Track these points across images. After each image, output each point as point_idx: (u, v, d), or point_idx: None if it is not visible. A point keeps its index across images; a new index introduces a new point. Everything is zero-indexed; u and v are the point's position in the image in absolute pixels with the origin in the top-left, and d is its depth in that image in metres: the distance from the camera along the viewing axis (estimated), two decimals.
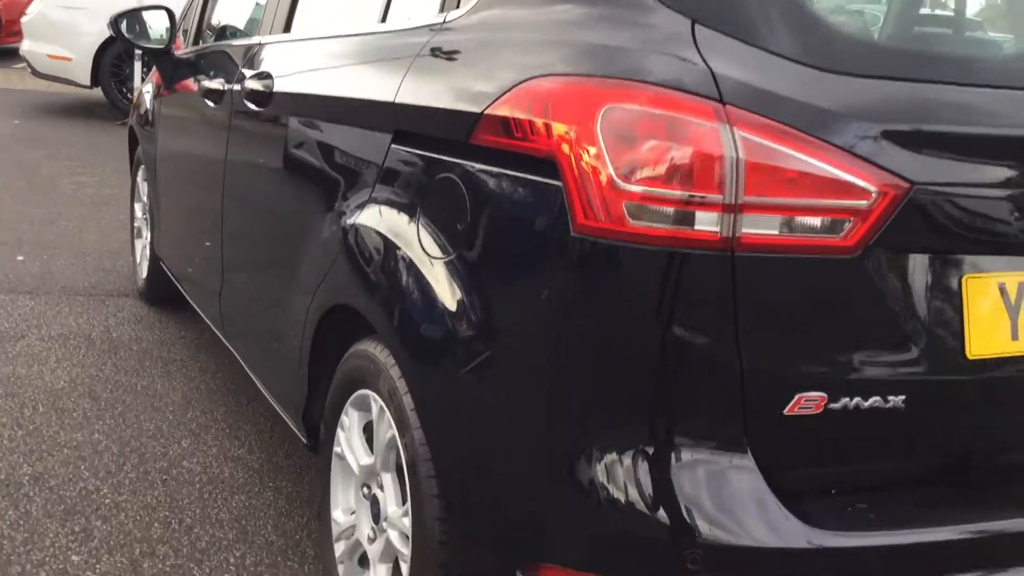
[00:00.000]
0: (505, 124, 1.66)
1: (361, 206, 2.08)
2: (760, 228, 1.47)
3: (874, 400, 1.57)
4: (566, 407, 1.60)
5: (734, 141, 1.45)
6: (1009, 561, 1.65)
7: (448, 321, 1.75)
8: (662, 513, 1.53)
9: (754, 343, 1.51)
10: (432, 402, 1.78)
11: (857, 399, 1.56)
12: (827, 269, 1.52)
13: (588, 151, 1.51)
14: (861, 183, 1.48)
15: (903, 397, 1.60)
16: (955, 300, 1.60)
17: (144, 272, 4.59)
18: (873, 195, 1.49)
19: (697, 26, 1.54)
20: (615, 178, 1.48)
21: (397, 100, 1.98)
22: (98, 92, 10.47)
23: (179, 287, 3.92)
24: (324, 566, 2.34)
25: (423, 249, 1.84)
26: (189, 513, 2.75)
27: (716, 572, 1.53)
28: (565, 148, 1.54)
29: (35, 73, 10.38)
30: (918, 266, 1.58)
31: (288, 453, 3.18)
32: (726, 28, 1.54)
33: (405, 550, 1.94)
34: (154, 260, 4.35)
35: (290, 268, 2.44)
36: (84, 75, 9.98)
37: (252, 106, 2.71)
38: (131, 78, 9.93)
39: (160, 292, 4.49)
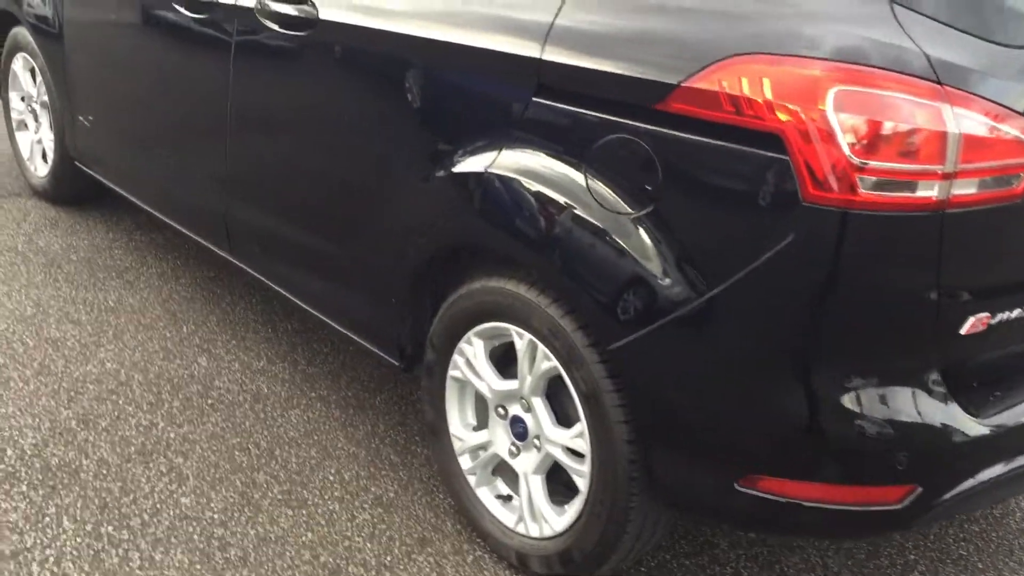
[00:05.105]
0: (710, 97, 1.81)
1: (493, 154, 2.16)
2: (965, 189, 1.74)
3: (1019, 311, 1.92)
4: (784, 350, 1.85)
5: (954, 118, 1.69)
6: None
7: (640, 273, 1.93)
8: (872, 427, 1.84)
9: (949, 281, 1.81)
10: (629, 346, 1.96)
11: (1010, 312, 1.90)
12: (1000, 215, 1.81)
13: (820, 130, 1.70)
14: None
15: None
16: None
17: (43, 170, 4.32)
18: None
19: (895, 6, 1.74)
20: (849, 155, 1.69)
21: (544, 57, 2.06)
22: None
23: (118, 190, 3.76)
24: (445, 477, 2.53)
25: (600, 204, 1.98)
26: (259, 436, 2.83)
27: (918, 470, 1.87)
28: (793, 126, 1.72)
29: None
30: None
31: (308, 359, 3.27)
32: (918, 7, 1.75)
33: (578, 466, 2.18)
34: (62, 158, 4.10)
35: (371, 206, 2.49)
36: None
37: (276, 27, 2.65)
38: None
39: (67, 190, 4.27)
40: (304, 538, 2.44)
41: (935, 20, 1.76)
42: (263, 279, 3.05)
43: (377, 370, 3.20)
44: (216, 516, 2.49)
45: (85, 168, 3.95)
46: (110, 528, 2.42)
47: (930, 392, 1.87)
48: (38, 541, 2.36)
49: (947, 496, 1.93)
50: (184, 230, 3.38)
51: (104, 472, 2.63)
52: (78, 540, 2.37)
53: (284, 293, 2.96)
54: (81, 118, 3.79)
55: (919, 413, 1.86)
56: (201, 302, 3.59)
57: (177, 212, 3.41)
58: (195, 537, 2.41)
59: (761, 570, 2.47)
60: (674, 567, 2.46)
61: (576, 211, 2.02)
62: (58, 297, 3.54)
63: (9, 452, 2.67)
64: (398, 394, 3.10)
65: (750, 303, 1.84)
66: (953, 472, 1.93)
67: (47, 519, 2.43)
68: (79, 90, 3.78)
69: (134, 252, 3.96)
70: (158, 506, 2.51)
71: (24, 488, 2.54)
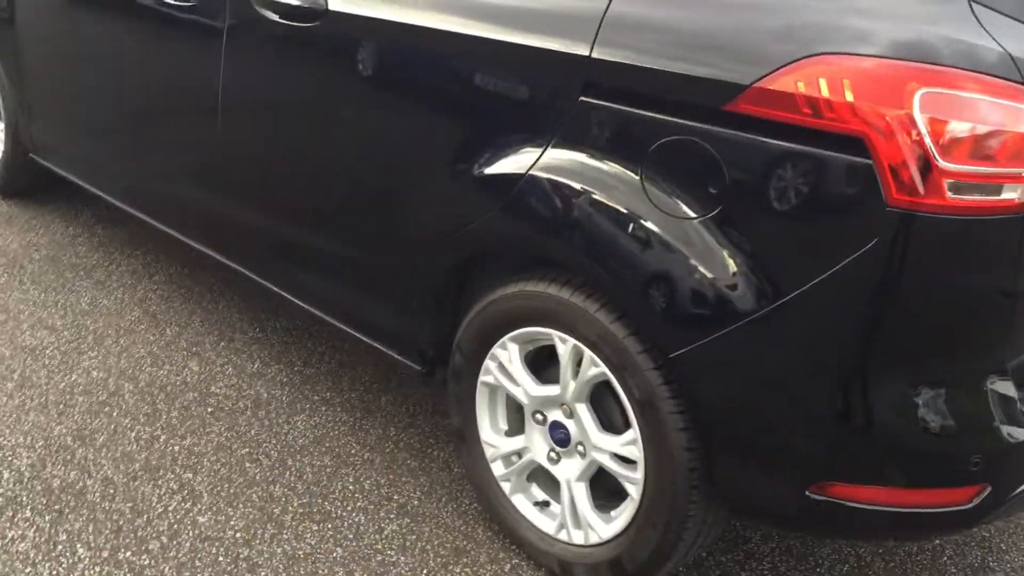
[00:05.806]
0: (785, 99, 1.75)
1: (535, 155, 2.07)
2: None
3: None
4: (859, 355, 1.81)
5: None
6: None
7: (704, 279, 1.87)
8: (946, 429, 1.82)
9: None
10: (692, 354, 1.91)
11: None
12: None
13: (906, 133, 1.66)
14: None
15: None
16: None
17: None
18: None
19: (974, 5, 1.70)
20: (937, 158, 1.66)
21: (594, 55, 1.97)
22: None
23: (82, 184, 3.56)
24: (475, 484, 2.46)
25: (659, 208, 1.91)
26: (268, 446, 2.72)
27: (989, 469, 1.86)
28: (877, 130, 1.67)
29: None
30: None
31: (304, 360, 3.15)
32: (998, 6, 1.71)
33: (628, 472, 2.12)
34: (15, 149, 3.88)
35: (396, 209, 2.38)
36: None
37: (275, 17, 2.51)
38: None
39: (19, 184, 4.05)
40: (334, 554, 2.35)
41: (1016, 20, 1.73)
42: (258, 279, 2.91)
43: (377, 368, 3.11)
44: (239, 535, 2.38)
45: (42, 161, 3.74)
46: (128, 554, 2.29)
47: (1000, 392, 1.86)
48: (54, 572, 2.22)
49: (1015, 493, 1.93)
50: (163, 227, 3.21)
51: (111, 492, 2.49)
52: (96, 569, 2.24)
53: (284, 294, 2.83)
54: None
55: (991, 414, 1.85)
56: (180, 301, 3.43)
57: (156, 208, 3.24)
58: (220, 559, 2.30)
59: (797, 563, 2.46)
60: (711, 564, 2.43)
61: (631, 215, 1.95)
62: (27, 300, 3.35)
63: (6, 475, 2.51)
64: (402, 393, 3.01)
65: (825, 308, 1.79)
66: (1021, 469, 1.92)
67: (59, 547, 2.29)
68: (36, 79, 3.56)
69: (99, 248, 3.77)
70: (175, 527, 2.39)
71: (29, 514, 2.39)
